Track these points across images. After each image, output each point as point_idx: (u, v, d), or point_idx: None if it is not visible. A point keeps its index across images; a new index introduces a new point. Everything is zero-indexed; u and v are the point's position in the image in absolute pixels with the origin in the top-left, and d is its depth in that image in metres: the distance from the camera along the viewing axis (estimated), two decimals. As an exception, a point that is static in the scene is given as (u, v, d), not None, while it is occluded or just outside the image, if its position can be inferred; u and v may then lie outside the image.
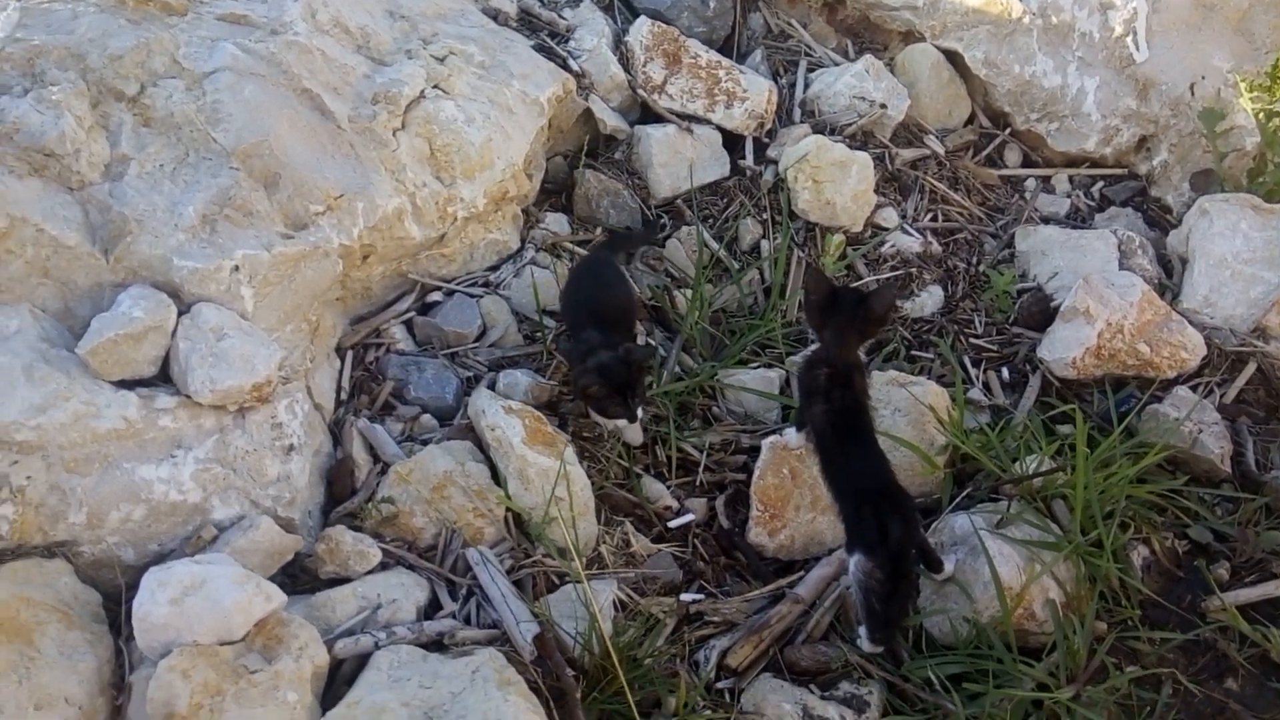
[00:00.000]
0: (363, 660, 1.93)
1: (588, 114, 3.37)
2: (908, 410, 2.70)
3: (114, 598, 1.93)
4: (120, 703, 1.78)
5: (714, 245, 3.22)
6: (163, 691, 1.67)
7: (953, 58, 3.75)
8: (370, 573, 2.13)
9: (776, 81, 3.62)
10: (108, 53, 2.33)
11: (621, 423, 2.53)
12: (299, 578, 2.14)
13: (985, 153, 3.72)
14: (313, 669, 1.80)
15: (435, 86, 2.85)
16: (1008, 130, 3.78)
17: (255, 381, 2.09)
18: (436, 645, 2.05)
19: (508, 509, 2.34)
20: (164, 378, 2.11)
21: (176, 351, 2.06)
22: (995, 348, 3.09)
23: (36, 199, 2.09)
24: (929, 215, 3.42)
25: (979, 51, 3.71)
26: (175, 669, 1.68)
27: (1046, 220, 3.53)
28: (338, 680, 1.90)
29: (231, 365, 2.07)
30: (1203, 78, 3.54)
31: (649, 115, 3.46)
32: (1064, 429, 2.79)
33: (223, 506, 2.04)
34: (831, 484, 2.39)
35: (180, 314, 2.10)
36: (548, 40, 3.46)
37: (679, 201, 3.34)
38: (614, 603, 2.28)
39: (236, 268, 2.19)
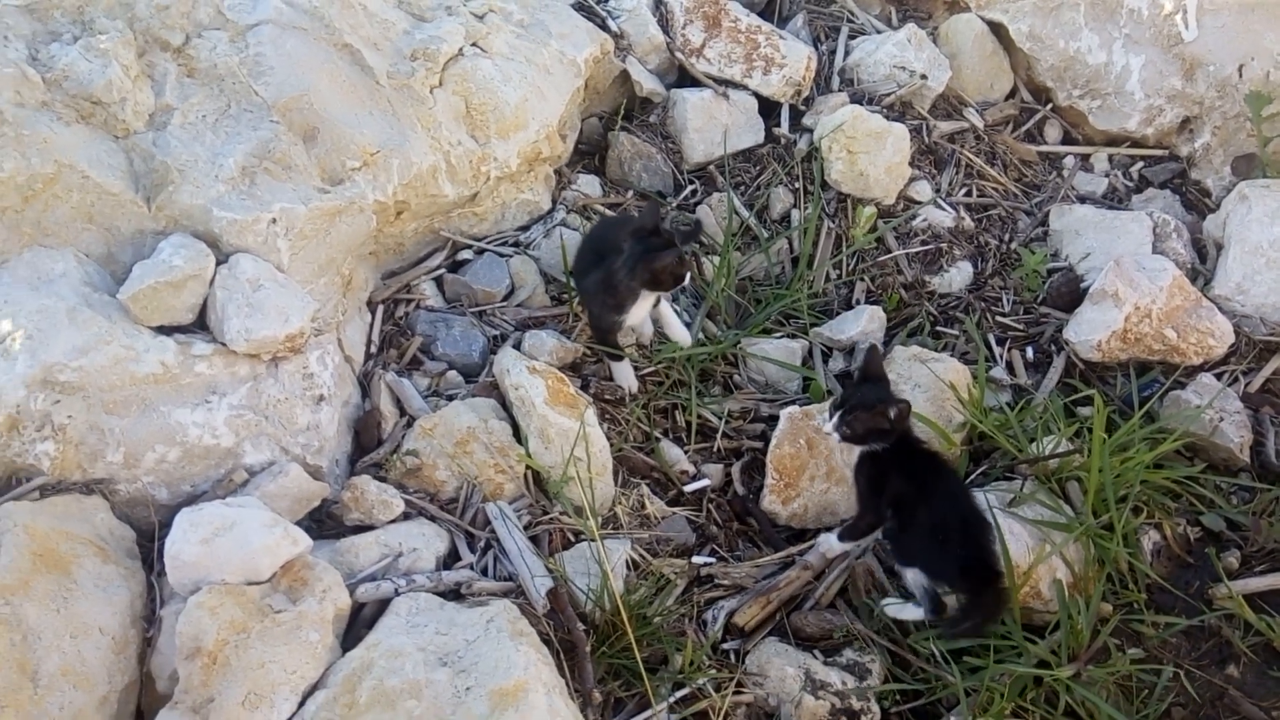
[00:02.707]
0: (383, 605, 2.01)
1: (624, 75, 3.37)
2: (928, 387, 2.72)
3: (147, 535, 2.02)
4: (150, 635, 1.88)
5: (744, 213, 3.23)
6: (191, 627, 1.75)
7: (997, 30, 3.70)
8: (393, 522, 2.21)
9: (817, 48, 3.60)
10: (155, 3, 2.37)
11: (622, 363, 2.65)
12: (324, 524, 2.22)
13: (1025, 128, 3.68)
14: (335, 611, 1.88)
15: (474, 44, 2.87)
16: (1049, 106, 3.73)
17: (289, 332, 2.16)
18: (454, 594, 2.12)
19: (528, 466, 2.40)
20: (201, 325, 2.18)
21: (214, 300, 2.13)
22: (1021, 327, 3.09)
23: (83, 145, 2.15)
24: (963, 190, 3.40)
25: (1024, 24, 3.65)
26: (204, 606, 1.77)
27: (1083, 199, 3.49)
28: (358, 623, 1.98)
29: (266, 315, 2.13)
30: (1252, 59, 3.46)
31: (685, 79, 3.46)
32: (1085, 411, 2.79)
33: (254, 452, 2.12)
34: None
35: (218, 264, 2.16)
36: (587, 0, 3.45)
37: (711, 167, 3.35)
38: (627, 562, 2.34)
39: (274, 220, 2.24)
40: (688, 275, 2.55)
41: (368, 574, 2.04)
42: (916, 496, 2.28)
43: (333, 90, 2.51)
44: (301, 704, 1.76)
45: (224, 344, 2.11)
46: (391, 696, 1.75)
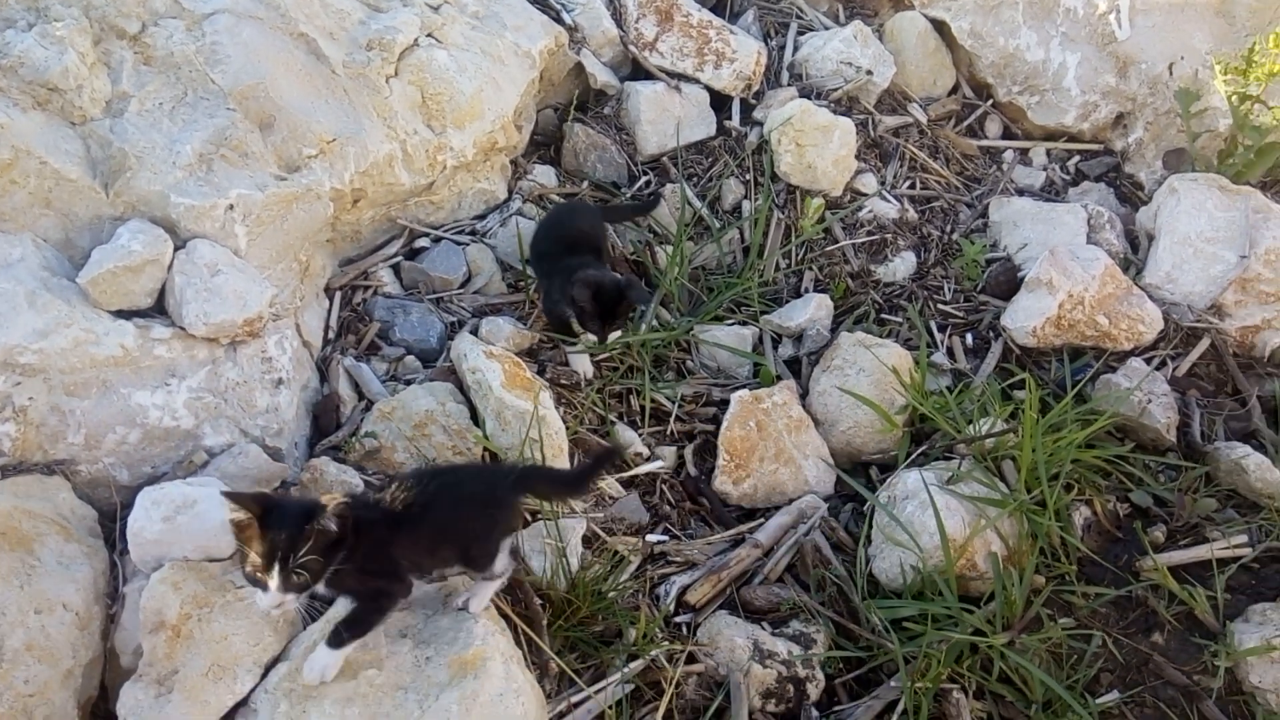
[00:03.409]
0: (342, 583, 2.05)
1: (579, 68, 3.44)
2: (871, 371, 2.82)
3: (109, 515, 2.05)
4: (114, 611, 1.91)
5: (697, 203, 3.31)
6: (155, 601, 1.79)
7: (940, 27, 3.83)
8: (351, 503, 2.25)
9: (767, 43, 3.69)
10: (110, -10, 2.39)
11: (577, 349, 2.70)
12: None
13: (967, 123, 3.81)
14: (296, 587, 1.92)
15: (429, 35, 2.92)
16: (990, 102, 3.87)
17: (247, 316, 2.19)
18: (412, 572, 2.17)
19: (485, 448, 2.46)
20: (159, 310, 2.20)
21: (172, 285, 2.16)
22: (962, 314, 3.21)
23: (40, 132, 2.17)
24: (908, 182, 3.52)
25: (965, 22, 3.78)
26: (166, 581, 1.81)
27: (1022, 192, 3.63)
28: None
29: (224, 300, 2.17)
30: (1182, 58, 3.62)
31: (639, 72, 3.53)
32: (1021, 394, 2.91)
33: (214, 434, 2.15)
34: None
35: (176, 249, 2.19)
36: (543, -7, 3.51)
37: (664, 159, 3.42)
38: (582, 539, 2.41)
39: (231, 206, 2.28)
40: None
41: (328, 552, 2.07)
42: None
43: (289, 79, 2.54)
44: (264, 675, 1.80)
45: (183, 328, 2.15)
46: (354, 667, 1.80)
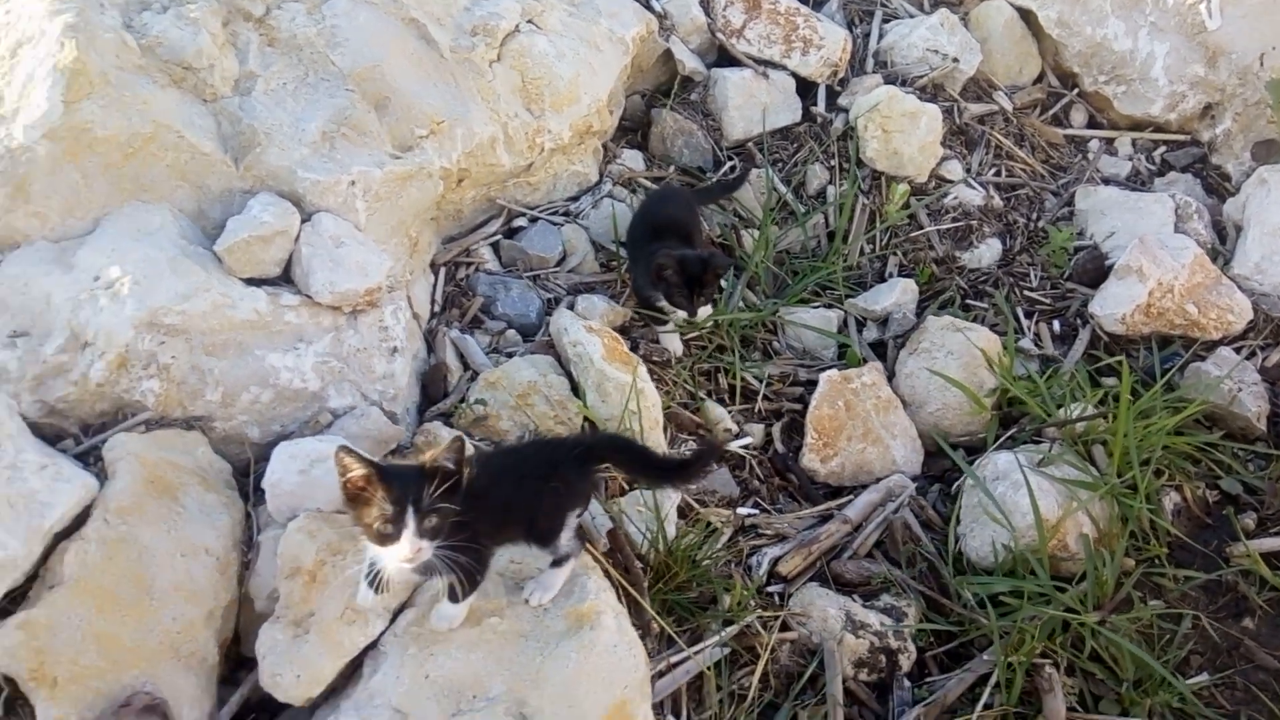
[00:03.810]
0: (457, 540, 2.15)
1: (667, 55, 3.51)
2: (961, 354, 2.86)
3: (241, 470, 2.17)
4: (249, 559, 2.02)
5: (782, 189, 3.37)
6: (292, 548, 1.90)
7: (1026, 16, 3.83)
8: (462, 466, 2.35)
9: (851, 31, 3.72)
10: (238, -25, 2.51)
11: (667, 329, 2.76)
12: (388, 468, 2.37)
13: (1052, 112, 3.81)
14: (419, 540, 2.02)
15: (529, 21, 3.01)
16: (1075, 91, 3.86)
17: (368, 286, 2.30)
18: (519, 533, 2.26)
19: (585, 418, 2.54)
20: (285, 279, 2.32)
21: (299, 255, 2.27)
22: (1048, 301, 3.22)
23: (177, 107, 2.29)
24: (993, 170, 3.53)
25: (1053, 11, 3.78)
26: (303, 529, 1.92)
27: (1107, 181, 3.62)
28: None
29: (348, 270, 2.28)
30: (1273, 48, 3.58)
31: (725, 59, 3.59)
32: (1108, 381, 2.93)
33: (337, 396, 2.26)
34: None
35: (302, 222, 2.30)
36: (632, -19, 3.58)
37: (750, 144, 3.48)
38: (677, 509, 2.48)
39: (353, 182, 2.39)
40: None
41: (443, 511, 2.17)
42: None
43: (402, 62, 2.65)
44: (393, 621, 1.90)
45: (309, 296, 2.26)
46: (477, 614, 1.89)
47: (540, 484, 1.88)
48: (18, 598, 1.83)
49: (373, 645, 1.89)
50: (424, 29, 2.75)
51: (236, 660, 2.04)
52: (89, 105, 2.14)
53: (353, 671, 1.90)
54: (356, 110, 2.48)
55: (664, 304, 2.75)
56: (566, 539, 1.94)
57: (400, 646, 1.86)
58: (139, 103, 2.21)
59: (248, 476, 2.14)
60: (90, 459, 2.00)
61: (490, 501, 1.78)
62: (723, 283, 2.81)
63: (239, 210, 2.29)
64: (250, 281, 2.25)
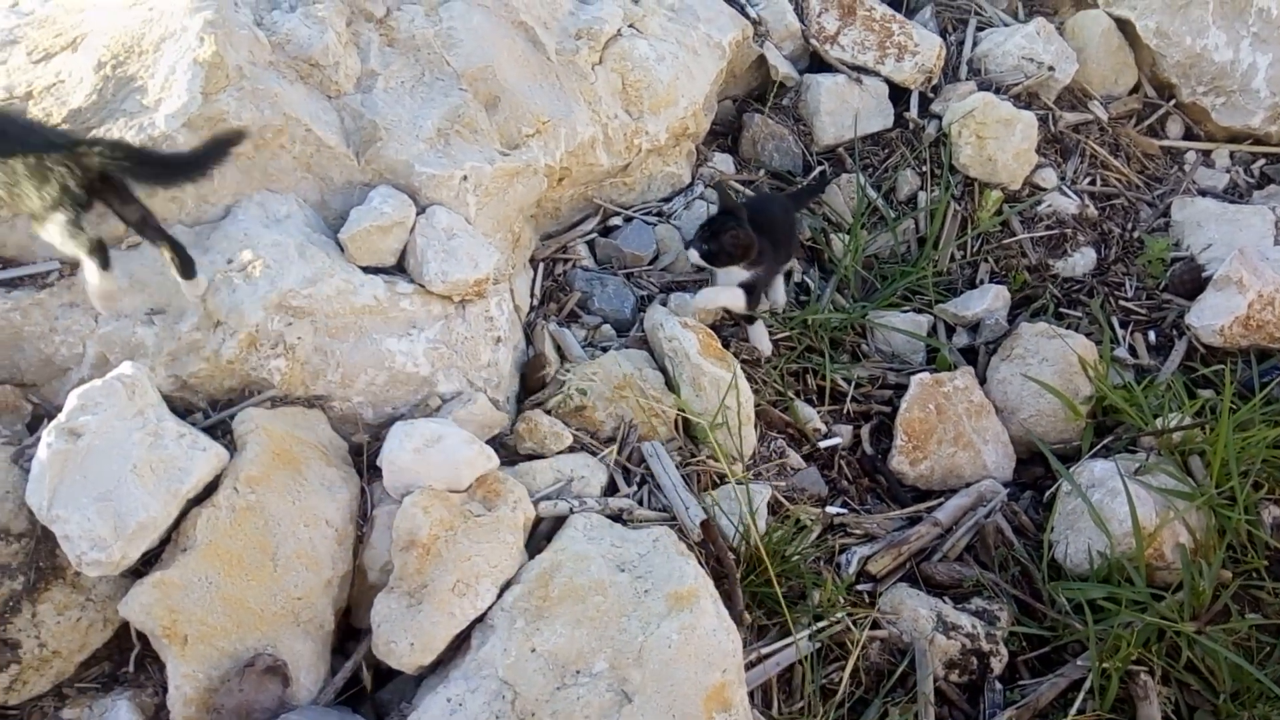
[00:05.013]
0: (557, 523, 2.21)
1: (760, 60, 3.56)
2: (1055, 361, 2.85)
3: (355, 449, 2.26)
4: (364, 532, 2.11)
5: (872, 194, 3.38)
6: (407, 522, 1.98)
7: (1123, 25, 3.79)
8: (561, 453, 2.42)
9: (945, 38, 3.72)
10: (360, -24, 2.63)
11: (757, 327, 2.84)
12: (499, 452, 2.44)
13: (1148, 122, 3.76)
14: (524, 519, 2.10)
15: (631, 25, 3.08)
16: (1172, 101, 3.80)
17: (477, 277, 2.39)
18: (616, 519, 2.32)
19: (679, 412, 2.60)
20: (399, 268, 2.42)
21: (414, 245, 2.37)
22: (1144, 311, 3.19)
23: (304, 102, 2.41)
24: (1087, 179, 3.50)
25: (1151, 21, 3.74)
26: (418, 504, 2.00)
27: (1204, 193, 3.57)
28: (537, 536, 2.19)
29: (459, 261, 2.36)
30: (1385, 60, 3.50)
31: (818, 64, 3.62)
32: (1205, 393, 2.89)
33: (446, 381, 2.35)
34: None
35: (417, 214, 2.40)
36: (727, -13, 3.64)
37: (840, 149, 3.51)
38: (768, 504, 2.51)
39: (465, 177, 2.48)
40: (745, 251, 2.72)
41: (544, 494, 2.25)
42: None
43: (511, 63, 2.74)
44: (500, 595, 1.97)
45: (422, 285, 2.35)
46: (580, 592, 1.96)
47: None
48: (151, 559, 1.95)
49: (480, 618, 1.96)
50: (532, 32, 2.84)
51: (345, 630, 2.13)
52: (225, 98, 2.26)
53: (459, 644, 1.97)
54: (469, 109, 2.58)
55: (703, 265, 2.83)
56: None
57: (508, 620, 1.93)
58: (270, 96, 2.33)
59: (360, 455, 2.24)
60: (218, 432, 2.11)
61: None
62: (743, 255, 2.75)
63: (358, 201, 2.40)
64: (368, 269, 2.34)
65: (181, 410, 2.13)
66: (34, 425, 2.10)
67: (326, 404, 2.23)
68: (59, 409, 2.09)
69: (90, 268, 1.95)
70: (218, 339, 2.12)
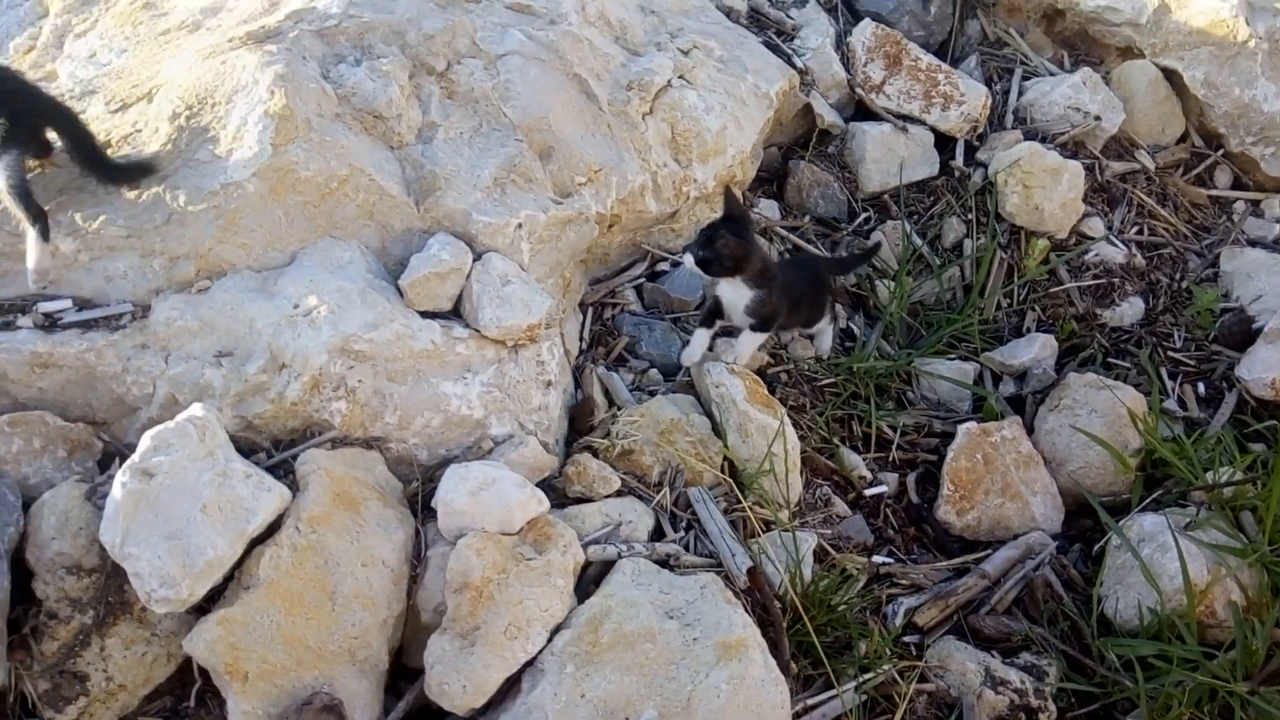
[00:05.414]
0: (605, 567, 2.24)
1: (806, 108, 3.61)
2: (1104, 412, 2.84)
3: (408, 490, 2.31)
4: (417, 572, 2.16)
5: (917, 241, 3.41)
6: (461, 564, 2.02)
7: (1170, 76, 3.80)
8: (608, 497, 2.45)
9: (989, 87, 3.76)
10: (422, 32, 2.72)
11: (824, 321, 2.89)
12: (548, 494, 2.48)
13: (1195, 172, 3.76)
14: (574, 564, 2.13)
15: (681, 77, 3.15)
16: (1220, 151, 3.80)
17: (530, 322, 2.44)
18: (663, 565, 2.35)
19: (725, 457, 2.62)
20: (455, 313, 2.48)
21: (469, 291, 2.43)
22: (1193, 363, 3.17)
23: (368, 152, 2.50)
24: (1135, 228, 3.51)
25: (1199, 72, 3.74)
26: (471, 547, 2.04)
27: (1254, 244, 3.55)
28: (584, 580, 2.22)
29: (513, 307, 2.42)
30: None
31: (862, 112, 3.67)
32: (1256, 447, 2.86)
33: (498, 424, 2.40)
34: None
35: (473, 260, 2.46)
36: (774, 38, 3.71)
37: (886, 196, 3.54)
38: (813, 552, 2.52)
39: (519, 225, 2.55)
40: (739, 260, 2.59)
41: (593, 538, 2.28)
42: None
43: (565, 114, 2.81)
44: (550, 639, 2.00)
45: (477, 329, 2.41)
46: (630, 639, 1.98)
47: None
48: (213, 596, 2.00)
49: (531, 662, 1.99)
50: (585, 84, 2.92)
51: (396, 670, 2.17)
52: (294, 148, 2.35)
53: (510, 687, 2.00)
54: (525, 158, 2.65)
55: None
56: None
57: (558, 664, 1.96)
58: (337, 147, 2.42)
59: (416, 497, 2.29)
60: (279, 471, 2.17)
61: None
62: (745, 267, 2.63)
63: (417, 248, 2.47)
64: (425, 314, 2.41)
65: (245, 449, 2.19)
66: (104, 462, 2.17)
67: (383, 445, 2.29)
68: (128, 446, 2.18)
69: (32, 236, 2.16)
70: (283, 381, 2.19)
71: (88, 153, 2.27)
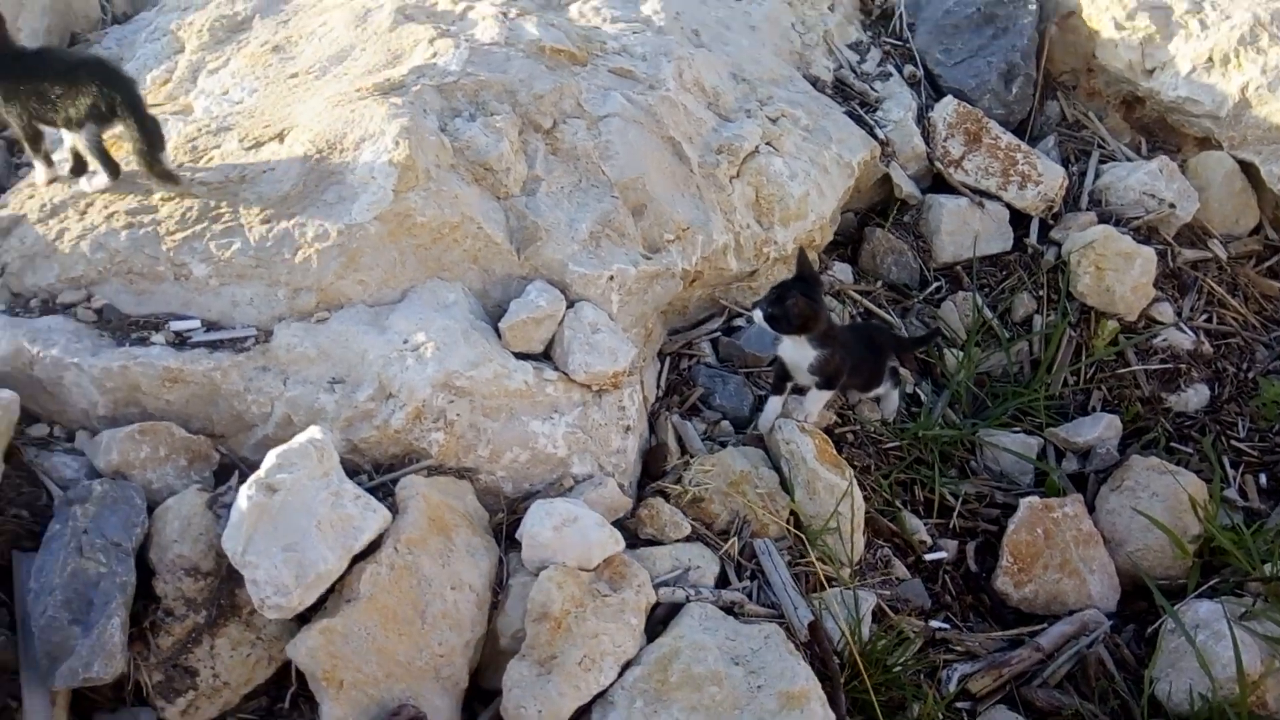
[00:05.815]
0: (672, 609, 2.35)
1: (884, 178, 3.75)
2: (1165, 496, 2.89)
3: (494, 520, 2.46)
4: (499, 599, 2.29)
5: (987, 313, 3.51)
6: (542, 595, 2.16)
7: (1247, 168, 3.87)
8: (678, 541, 2.57)
9: (1066, 168, 3.86)
10: (533, 92, 2.92)
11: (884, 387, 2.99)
12: (620, 534, 2.61)
13: (1268, 264, 3.81)
14: (645, 603, 2.25)
15: (768, 143, 3.31)
16: (1294, 245, 3.85)
17: (616, 369, 2.59)
18: (728, 611, 2.45)
19: (792, 512, 2.73)
20: (545, 356, 2.64)
21: (561, 337, 2.59)
22: (1256, 453, 3.21)
23: (478, 202, 2.68)
24: (1204, 316, 3.57)
25: (1276, 167, 3.81)
26: (552, 579, 2.17)
27: (1324, 338, 3.59)
28: (653, 620, 2.33)
29: (601, 354, 2.57)
30: None
31: (940, 185, 3.80)
32: (1318, 542, 2.89)
33: (579, 464, 2.54)
34: None
35: (566, 308, 2.63)
36: (858, 109, 3.86)
37: (958, 267, 3.65)
38: (872, 612, 2.61)
39: (611, 278, 2.71)
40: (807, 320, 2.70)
41: (663, 580, 2.40)
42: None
43: (658, 174, 2.98)
44: (620, 673, 2.12)
45: (566, 373, 2.56)
46: (698, 680, 2.09)
47: None
48: (314, 607, 2.15)
49: (602, 694, 2.11)
50: (679, 146, 3.09)
51: (472, 690, 2.30)
52: (413, 195, 2.54)
53: (580, 716, 2.12)
54: (619, 215, 2.82)
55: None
56: None
57: (628, 699, 2.07)
58: (451, 196, 2.60)
59: (500, 526, 2.43)
60: (379, 494, 2.33)
61: None
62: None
63: (515, 293, 2.64)
64: (519, 355, 2.57)
65: (349, 470, 2.35)
66: (220, 473, 2.35)
67: (474, 476, 2.44)
68: (244, 460, 2.37)
69: (103, 174, 2.61)
70: (389, 409, 2.36)
71: (149, 144, 2.54)
